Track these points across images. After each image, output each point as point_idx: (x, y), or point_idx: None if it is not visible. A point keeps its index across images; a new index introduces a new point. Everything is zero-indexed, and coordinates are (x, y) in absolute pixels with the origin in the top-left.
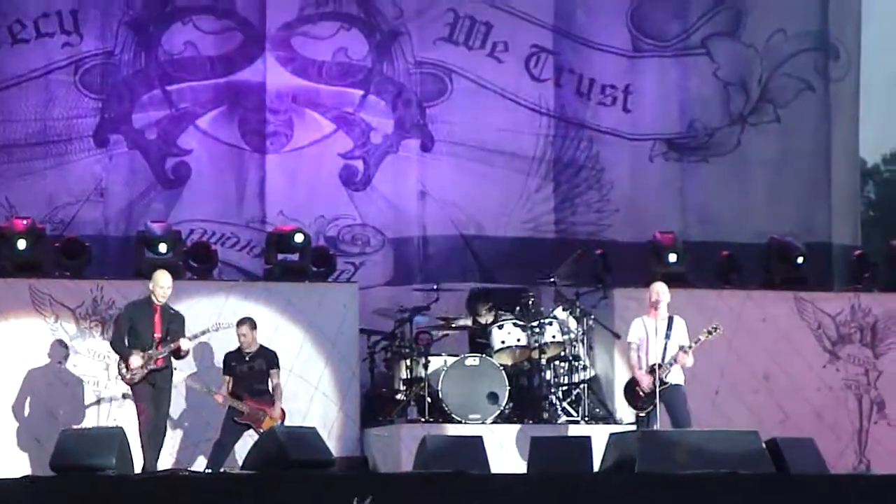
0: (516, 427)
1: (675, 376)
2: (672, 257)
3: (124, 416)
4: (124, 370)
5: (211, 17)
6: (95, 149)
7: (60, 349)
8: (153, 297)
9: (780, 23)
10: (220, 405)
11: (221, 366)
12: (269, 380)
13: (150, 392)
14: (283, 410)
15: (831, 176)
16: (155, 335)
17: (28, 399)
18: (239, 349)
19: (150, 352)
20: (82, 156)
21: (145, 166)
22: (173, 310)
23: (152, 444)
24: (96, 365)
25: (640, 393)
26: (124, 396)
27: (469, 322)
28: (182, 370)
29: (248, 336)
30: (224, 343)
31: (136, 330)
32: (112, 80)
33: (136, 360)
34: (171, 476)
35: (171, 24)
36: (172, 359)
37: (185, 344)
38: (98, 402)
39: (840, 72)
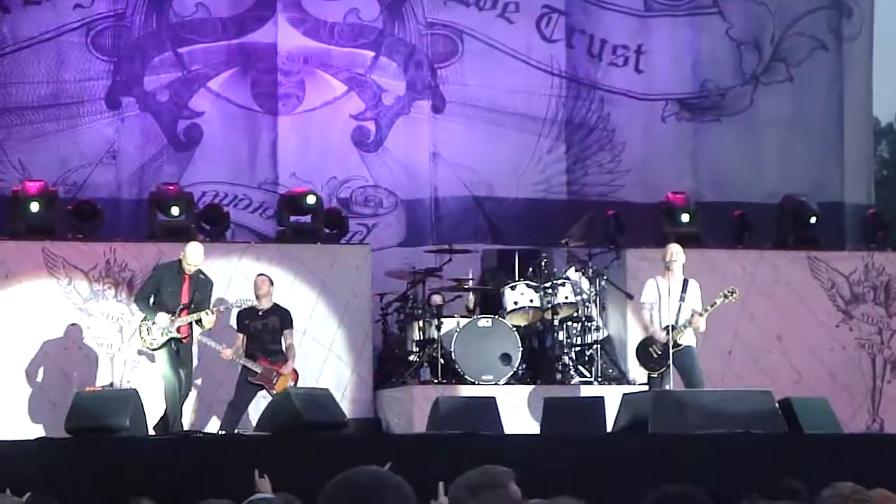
0: (529, 388)
1: (687, 338)
2: (684, 218)
3: (138, 378)
4: (145, 333)
5: None
6: (107, 111)
7: (74, 312)
8: (183, 264)
9: None
10: (227, 359)
11: (235, 324)
12: (283, 339)
13: (172, 356)
14: (295, 371)
15: (844, 135)
16: (182, 300)
17: (42, 362)
18: (252, 307)
19: (173, 318)
20: (94, 118)
21: (157, 129)
22: (203, 275)
23: (176, 408)
24: (110, 327)
25: (653, 353)
26: (139, 353)
27: (480, 286)
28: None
29: (264, 287)
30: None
31: (161, 292)
32: (123, 42)
33: (162, 317)
34: (185, 437)
35: None
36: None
37: (206, 319)
38: (111, 364)
39: (853, 30)
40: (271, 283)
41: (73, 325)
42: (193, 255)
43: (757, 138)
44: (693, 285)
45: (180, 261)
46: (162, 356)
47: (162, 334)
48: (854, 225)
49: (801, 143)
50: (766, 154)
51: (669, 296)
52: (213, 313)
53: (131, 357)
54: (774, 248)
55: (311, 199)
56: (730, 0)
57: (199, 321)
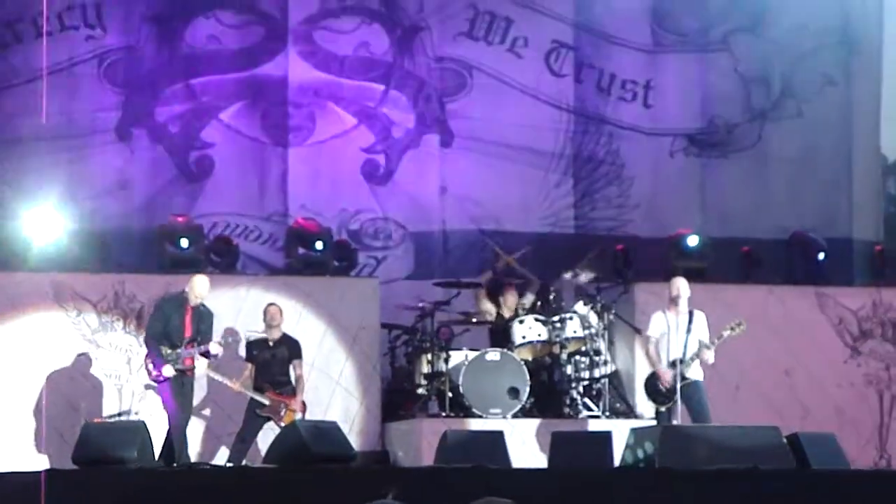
0: (537, 422)
1: (694, 372)
2: (693, 252)
3: (146, 410)
4: (151, 367)
5: (233, 10)
6: (118, 142)
7: (82, 343)
8: (188, 297)
9: (801, 17)
10: (235, 392)
11: (245, 351)
12: (293, 369)
13: (177, 388)
14: (303, 403)
15: (853, 171)
16: (186, 334)
17: (49, 393)
18: (263, 338)
19: (178, 350)
20: (105, 149)
21: (168, 160)
22: (204, 307)
23: (182, 439)
24: (118, 358)
25: (661, 388)
26: (146, 387)
27: (490, 314)
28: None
29: (277, 318)
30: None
31: (166, 326)
32: (135, 73)
33: (168, 370)
34: (193, 469)
35: (194, 17)
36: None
37: (214, 348)
38: (120, 395)
39: (862, 66)
40: (282, 313)
41: (82, 355)
42: (200, 287)
43: (765, 174)
44: (699, 316)
45: (184, 293)
46: (167, 389)
47: (171, 367)
48: (862, 261)
49: (810, 179)
50: (775, 189)
51: (677, 330)
52: (221, 345)
53: (139, 388)
54: (783, 283)
55: (319, 245)
56: (738, 36)
57: (206, 353)
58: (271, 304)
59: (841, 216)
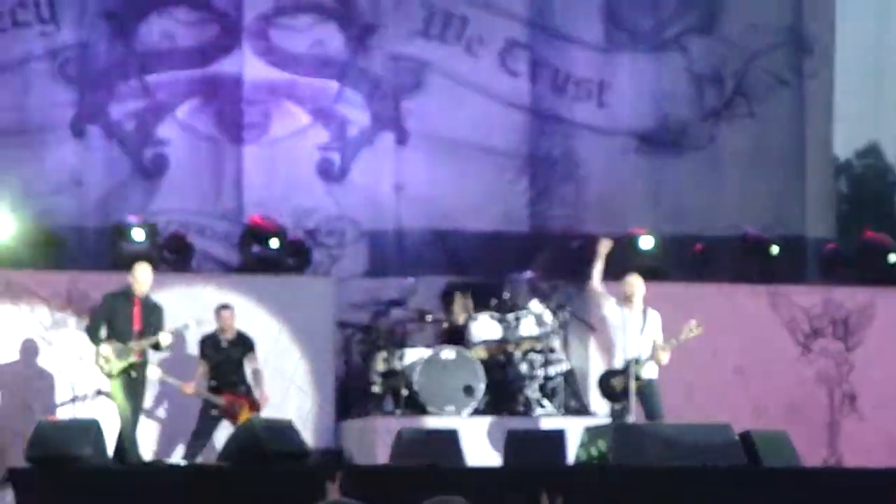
0: (492, 420)
1: (649, 371)
2: (646, 251)
3: (99, 408)
4: (102, 362)
5: (188, 7)
6: (72, 139)
7: (35, 341)
8: (133, 290)
9: (754, 17)
10: (190, 395)
11: (198, 350)
12: (248, 364)
13: (127, 384)
14: (257, 401)
15: (805, 170)
16: (134, 328)
17: (1, 390)
18: (215, 334)
19: (130, 344)
20: (59, 146)
21: (123, 157)
22: (153, 301)
23: (133, 436)
24: (71, 356)
25: (615, 386)
26: (99, 393)
27: (444, 317)
28: (154, 361)
29: (230, 321)
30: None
31: (114, 321)
32: (89, 70)
33: (105, 348)
34: (148, 467)
35: (148, 14)
36: (150, 350)
37: (164, 339)
38: (73, 393)
39: (814, 66)
40: (234, 314)
41: (35, 353)
42: (142, 274)
43: (718, 172)
44: (653, 316)
45: (129, 287)
46: (117, 384)
47: (119, 361)
48: (814, 259)
49: (763, 178)
50: (728, 188)
51: (632, 328)
52: (167, 332)
53: (93, 386)
54: (735, 281)
55: (274, 243)
56: (691, 36)
57: (156, 345)
58: (224, 308)
59: (793, 215)
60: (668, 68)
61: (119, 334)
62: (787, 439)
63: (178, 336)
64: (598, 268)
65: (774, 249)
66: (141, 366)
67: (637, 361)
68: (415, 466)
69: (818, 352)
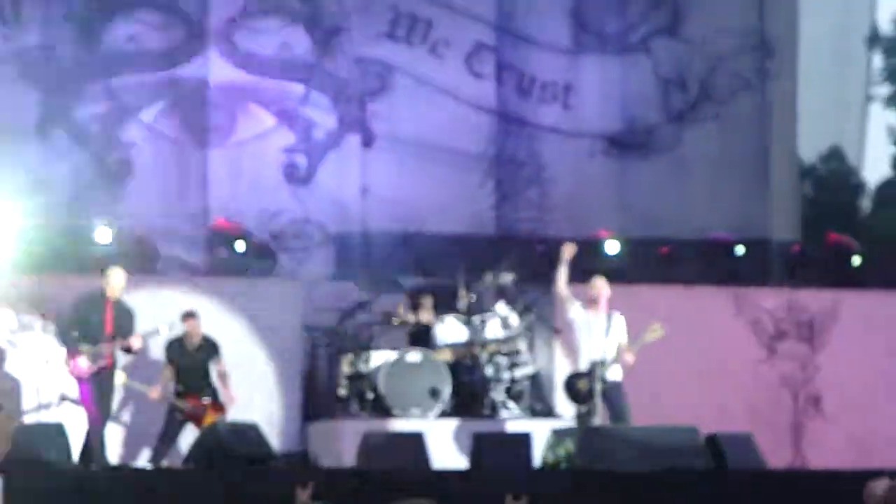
0: (458, 422)
1: (613, 373)
2: (612, 253)
3: (64, 412)
4: (72, 364)
5: (153, 10)
6: (38, 142)
7: (0, 343)
8: (106, 293)
9: (719, 20)
10: (156, 400)
11: (164, 354)
12: (215, 367)
13: (96, 388)
14: (223, 405)
15: (770, 172)
16: (106, 331)
17: None
18: (181, 339)
19: (99, 347)
20: (24, 149)
21: (88, 160)
22: (125, 305)
23: (100, 439)
24: (37, 359)
25: (580, 389)
26: (64, 398)
27: (410, 318)
28: (119, 366)
29: (196, 328)
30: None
31: (86, 323)
32: (54, 73)
33: (83, 361)
34: (114, 470)
35: (114, 17)
36: (119, 354)
37: (135, 342)
38: (38, 397)
39: (778, 69)
40: (199, 320)
41: (0, 357)
42: (116, 279)
43: (684, 175)
44: (618, 319)
45: (102, 290)
46: (85, 388)
47: (89, 364)
48: (779, 262)
49: (728, 180)
50: (694, 191)
51: (597, 331)
52: (137, 336)
53: (58, 390)
54: (700, 283)
55: (240, 246)
56: (657, 39)
57: (127, 349)
58: (189, 316)
59: (758, 217)
60: (634, 71)
61: (91, 337)
62: (751, 442)
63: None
64: (562, 272)
65: (740, 250)
66: (110, 370)
67: (602, 364)
68: (381, 469)
69: (783, 354)
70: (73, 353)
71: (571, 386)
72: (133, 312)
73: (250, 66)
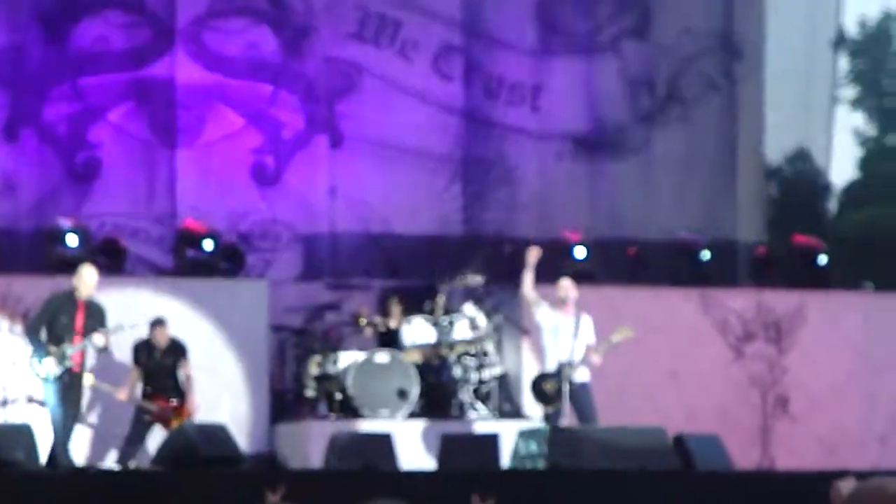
0: (426, 423)
1: (581, 374)
2: (580, 254)
3: (31, 414)
4: (37, 365)
5: (121, 10)
6: (5, 142)
7: None
8: (77, 292)
9: (686, 21)
10: (123, 402)
11: (131, 356)
12: (180, 370)
13: (64, 387)
14: (196, 405)
15: (736, 174)
16: (76, 329)
17: None
18: (148, 341)
19: (63, 347)
20: None
21: (56, 160)
22: (97, 303)
23: (64, 440)
24: (3, 360)
25: (548, 389)
26: (31, 400)
27: (376, 320)
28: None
29: (163, 336)
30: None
31: (55, 323)
32: (22, 73)
33: (48, 362)
34: (81, 472)
35: (81, 17)
36: (91, 353)
37: (97, 340)
38: (4, 398)
39: (745, 71)
40: (165, 325)
41: None
42: (88, 277)
43: (652, 176)
44: (586, 320)
45: (73, 289)
46: (52, 389)
47: (56, 365)
48: (746, 263)
49: (695, 182)
50: (661, 192)
51: (564, 332)
52: (101, 333)
53: (25, 391)
54: (668, 285)
55: (208, 245)
56: (625, 40)
57: (98, 347)
58: (157, 324)
59: (725, 218)
60: (602, 72)
61: (60, 336)
62: (719, 443)
63: (113, 337)
64: (528, 276)
65: (705, 255)
66: (79, 372)
67: (569, 365)
68: (349, 470)
69: (750, 355)
70: (39, 354)
71: (538, 387)
72: (104, 311)
73: (218, 67)
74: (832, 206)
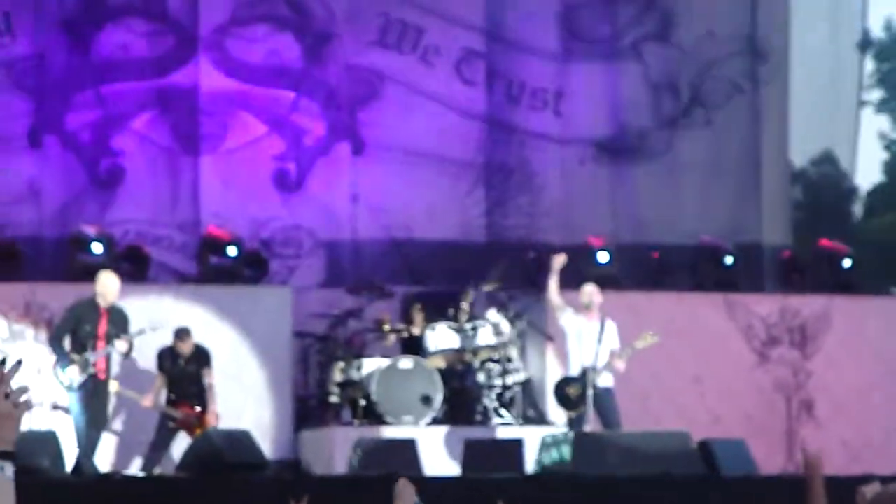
0: (450, 429)
1: (604, 379)
2: (603, 259)
3: (57, 421)
4: (61, 374)
5: (143, 18)
6: (29, 150)
7: None
8: (98, 299)
9: (710, 25)
10: (148, 408)
11: (155, 363)
12: (205, 378)
13: (89, 395)
14: (216, 414)
15: (761, 178)
16: (98, 339)
17: None
18: (172, 348)
19: (86, 355)
20: (16, 157)
21: (79, 167)
22: (119, 309)
23: (89, 446)
24: (29, 368)
25: (570, 394)
26: (56, 407)
27: (402, 328)
28: (112, 375)
29: (188, 346)
30: (158, 342)
31: (79, 331)
32: (45, 81)
33: (72, 370)
34: (106, 479)
35: (104, 25)
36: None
37: (119, 346)
38: (29, 405)
39: (769, 74)
40: (191, 335)
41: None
42: (107, 283)
43: (675, 181)
44: (610, 326)
45: (95, 296)
46: (76, 397)
47: (79, 373)
48: (771, 267)
49: (720, 186)
50: (685, 196)
51: (589, 337)
52: (123, 339)
53: (50, 398)
54: (692, 290)
55: (231, 253)
56: (648, 44)
57: (123, 352)
58: (181, 332)
59: (750, 222)
60: (624, 77)
61: (84, 344)
62: (744, 448)
63: (136, 341)
64: (553, 282)
65: (728, 260)
66: (104, 379)
67: (593, 370)
68: (373, 476)
69: (775, 360)
70: (62, 363)
71: (561, 391)
72: (128, 317)
73: (240, 74)
74: (857, 209)
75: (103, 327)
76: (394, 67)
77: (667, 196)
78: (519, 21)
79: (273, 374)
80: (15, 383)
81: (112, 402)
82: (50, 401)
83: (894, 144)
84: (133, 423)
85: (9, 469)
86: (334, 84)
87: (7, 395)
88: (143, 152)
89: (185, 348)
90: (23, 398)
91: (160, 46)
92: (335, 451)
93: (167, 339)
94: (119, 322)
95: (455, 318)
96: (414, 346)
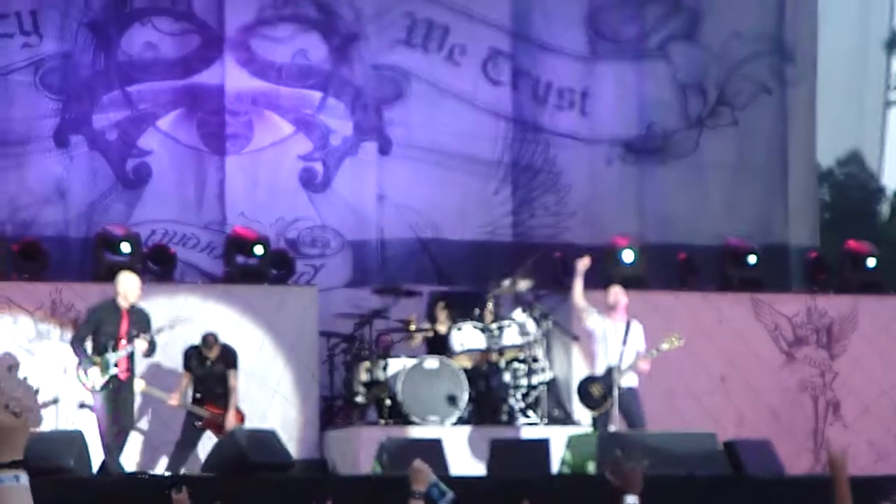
0: (475, 429)
1: (629, 379)
2: (629, 259)
3: (82, 420)
4: (83, 375)
5: (169, 18)
6: (56, 149)
7: (18, 352)
8: (119, 300)
9: (737, 25)
10: (175, 407)
11: (182, 362)
12: (228, 379)
13: (111, 395)
14: (242, 413)
15: (788, 178)
16: (119, 340)
17: None
18: (199, 348)
19: (107, 356)
20: (43, 157)
21: (106, 167)
22: (139, 308)
23: (113, 447)
24: (54, 368)
25: (594, 393)
26: (82, 406)
27: (428, 328)
28: (138, 374)
29: (215, 348)
30: (183, 340)
31: (101, 333)
32: (72, 80)
33: (94, 372)
34: (132, 478)
35: (130, 25)
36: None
37: (139, 346)
38: (56, 405)
39: (797, 75)
40: (217, 339)
41: (17, 364)
42: (126, 283)
43: (702, 181)
44: (636, 327)
45: (115, 297)
46: (100, 398)
47: (101, 375)
48: (798, 267)
49: (746, 186)
50: (711, 196)
51: (614, 337)
52: (143, 338)
53: (76, 398)
54: (718, 290)
55: (257, 253)
56: (675, 44)
57: (131, 354)
58: (209, 336)
59: (777, 223)
60: (651, 77)
61: (105, 346)
62: (770, 448)
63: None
64: (578, 284)
65: (752, 259)
66: (127, 382)
67: (618, 370)
68: (399, 476)
69: (802, 360)
70: (84, 365)
71: (585, 389)
72: (149, 316)
73: (267, 74)
74: (884, 209)
75: (125, 328)
76: (420, 67)
77: (693, 196)
78: (545, 21)
79: (299, 374)
80: (21, 390)
81: (138, 402)
82: (76, 400)
83: None
84: (159, 422)
85: (23, 477)
86: (361, 84)
87: (7, 406)
88: (169, 152)
89: (212, 353)
90: (26, 405)
91: (186, 46)
92: (361, 450)
93: (192, 336)
94: (140, 322)
95: (481, 318)
96: (440, 346)
